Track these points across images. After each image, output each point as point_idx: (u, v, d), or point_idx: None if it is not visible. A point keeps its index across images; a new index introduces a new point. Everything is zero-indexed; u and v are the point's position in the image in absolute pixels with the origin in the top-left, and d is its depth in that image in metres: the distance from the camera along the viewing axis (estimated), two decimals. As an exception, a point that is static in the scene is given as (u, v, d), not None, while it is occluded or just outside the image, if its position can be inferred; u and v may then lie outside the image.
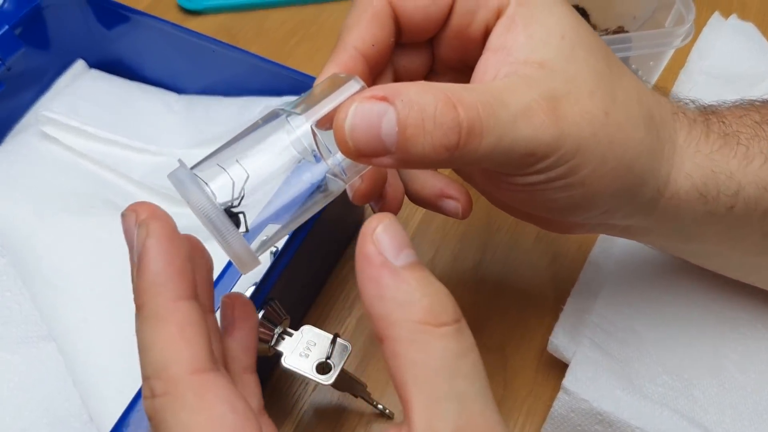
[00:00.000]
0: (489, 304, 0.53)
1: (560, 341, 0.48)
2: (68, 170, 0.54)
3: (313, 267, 0.52)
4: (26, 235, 0.51)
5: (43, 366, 0.44)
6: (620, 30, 0.59)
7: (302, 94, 0.32)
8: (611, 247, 0.53)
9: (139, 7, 0.57)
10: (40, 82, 0.58)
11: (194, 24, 0.69)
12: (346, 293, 0.54)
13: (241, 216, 0.30)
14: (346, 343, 0.43)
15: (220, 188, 0.29)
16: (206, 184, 0.29)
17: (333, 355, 0.42)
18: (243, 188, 0.30)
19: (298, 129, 0.30)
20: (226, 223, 0.28)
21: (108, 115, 0.56)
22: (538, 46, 0.32)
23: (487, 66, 0.33)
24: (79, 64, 0.60)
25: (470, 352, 0.26)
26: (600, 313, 0.50)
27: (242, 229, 0.30)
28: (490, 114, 0.29)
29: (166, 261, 0.27)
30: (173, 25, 0.56)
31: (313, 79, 0.53)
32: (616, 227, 0.40)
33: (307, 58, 0.66)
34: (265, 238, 0.30)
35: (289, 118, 0.30)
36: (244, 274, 0.31)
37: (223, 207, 0.29)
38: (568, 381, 0.46)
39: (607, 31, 0.59)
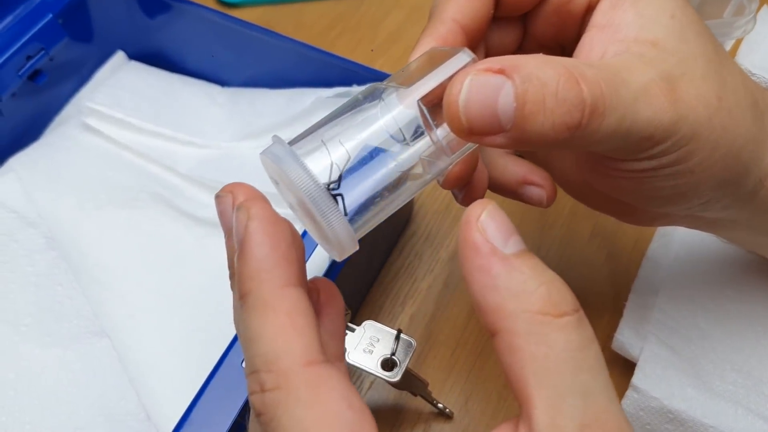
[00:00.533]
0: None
1: (626, 338, 0.47)
2: (112, 162, 0.53)
3: (365, 261, 0.51)
4: (71, 229, 0.49)
5: (98, 362, 0.43)
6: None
7: (398, 71, 0.30)
8: (669, 242, 0.52)
9: (178, -1, 0.56)
10: (79, 73, 0.57)
11: (232, 16, 0.68)
12: (397, 290, 0.53)
13: (339, 199, 0.28)
14: (410, 339, 0.42)
15: (320, 168, 0.27)
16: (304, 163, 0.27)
17: (397, 352, 0.41)
18: (342, 169, 0.28)
19: (396, 108, 0.28)
20: (329, 204, 0.26)
21: (151, 107, 0.55)
22: (648, 24, 0.30)
23: (592, 44, 0.31)
24: (119, 56, 0.58)
25: (592, 344, 0.24)
26: (663, 309, 0.48)
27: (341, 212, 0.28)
28: (613, 92, 0.27)
29: (272, 245, 0.25)
30: (218, 12, 0.55)
31: (363, 67, 0.52)
32: (705, 220, 0.38)
33: (348, 51, 0.65)
34: (361, 222, 0.29)
35: (386, 95, 0.28)
36: (340, 260, 0.29)
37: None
38: (637, 378, 0.45)
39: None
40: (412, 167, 0.29)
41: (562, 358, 0.23)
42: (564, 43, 0.34)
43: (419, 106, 0.28)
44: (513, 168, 0.38)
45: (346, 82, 0.52)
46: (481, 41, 0.34)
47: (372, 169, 0.28)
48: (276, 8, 0.69)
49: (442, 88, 0.27)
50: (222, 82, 0.58)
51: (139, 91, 0.56)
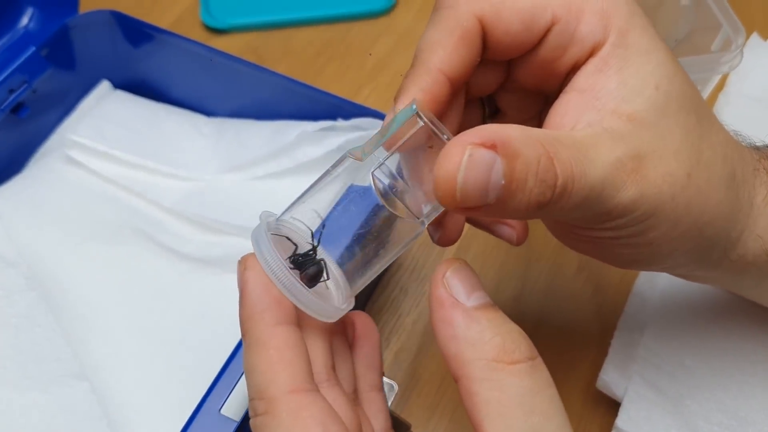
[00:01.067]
0: (531, 337, 0.51)
1: (610, 377, 0.47)
2: (95, 196, 0.52)
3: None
4: (52, 265, 0.49)
5: (77, 406, 0.42)
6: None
7: (375, 134, 0.30)
8: (656, 277, 0.51)
9: (162, 25, 0.56)
10: (63, 103, 0.57)
11: (220, 43, 0.67)
12: (382, 325, 0.52)
13: (322, 262, 0.30)
14: (391, 383, 0.41)
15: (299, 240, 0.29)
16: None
17: None
18: (320, 235, 0.29)
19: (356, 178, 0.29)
20: (293, 284, 0.29)
21: (135, 139, 0.54)
22: (629, 96, 0.30)
23: (568, 107, 0.31)
24: (104, 85, 0.58)
25: (547, 388, 0.26)
26: (648, 347, 0.48)
27: (324, 277, 0.30)
28: (581, 174, 0.27)
29: (264, 290, 0.28)
30: (201, 45, 0.54)
31: (348, 102, 0.51)
32: (674, 273, 0.38)
33: (336, 78, 0.64)
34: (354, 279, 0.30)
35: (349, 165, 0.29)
36: (334, 320, 0.31)
37: (301, 257, 0.30)
38: (621, 420, 0.44)
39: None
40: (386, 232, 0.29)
41: (514, 402, 0.25)
42: (545, 91, 0.34)
43: (399, 179, 0.29)
44: None
45: (332, 116, 0.52)
46: (464, 85, 0.34)
47: (347, 230, 0.29)
48: (264, 34, 0.68)
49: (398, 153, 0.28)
50: (208, 112, 0.58)
51: (123, 122, 0.55)
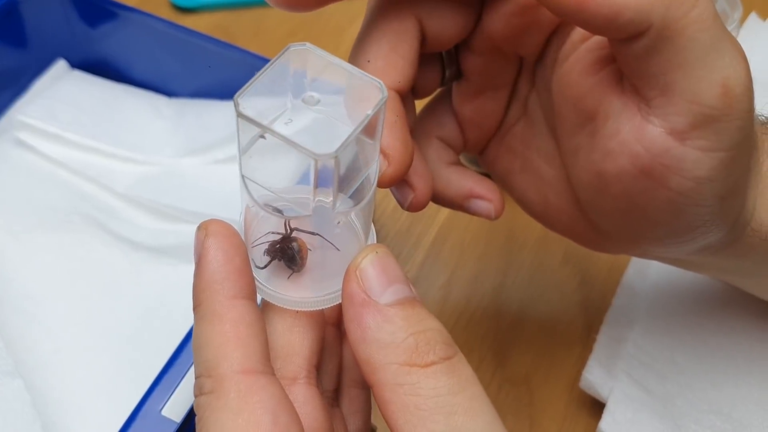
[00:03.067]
0: (512, 332, 0.48)
1: (595, 377, 0.43)
2: (44, 181, 0.49)
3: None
4: (-5, 253, 0.46)
5: (8, 406, 0.39)
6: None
7: None
8: (647, 269, 0.48)
9: (129, 3, 0.52)
10: (16, 83, 0.53)
11: (188, 22, 0.64)
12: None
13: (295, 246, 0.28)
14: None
15: None
16: None
17: None
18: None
19: None
20: None
21: (90, 121, 0.51)
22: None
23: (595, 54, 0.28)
24: (60, 65, 0.55)
25: (469, 386, 0.24)
26: (637, 343, 0.44)
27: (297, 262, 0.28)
28: None
29: (225, 259, 0.25)
30: (164, 21, 0.51)
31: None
32: (669, 259, 0.35)
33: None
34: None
35: None
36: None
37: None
38: (605, 423, 0.41)
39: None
40: None
41: (431, 405, 0.23)
42: (522, 55, 0.31)
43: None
44: (458, 181, 0.35)
45: (300, 96, 0.48)
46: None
47: None
48: (234, 13, 0.65)
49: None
50: (170, 93, 0.55)
51: (77, 102, 0.52)
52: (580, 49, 0.30)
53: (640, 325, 0.45)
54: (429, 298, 0.50)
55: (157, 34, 0.52)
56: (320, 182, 0.24)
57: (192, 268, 0.46)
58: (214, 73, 0.52)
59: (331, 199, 0.25)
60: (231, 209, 0.46)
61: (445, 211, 0.54)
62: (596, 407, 0.44)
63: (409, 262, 0.52)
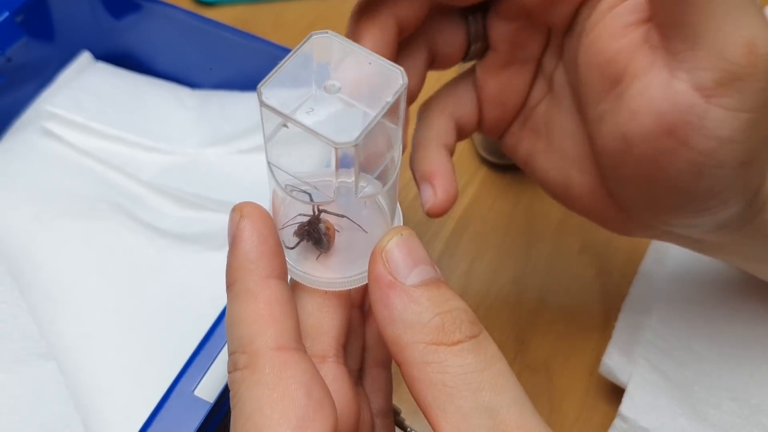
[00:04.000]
0: (531, 320, 0.49)
1: (614, 362, 0.44)
2: (71, 170, 0.50)
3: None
4: (24, 241, 0.46)
5: (42, 387, 0.39)
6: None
7: None
8: (664, 258, 0.48)
9: (151, -3, 0.53)
10: (42, 75, 0.54)
11: (208, 16, 0.65)
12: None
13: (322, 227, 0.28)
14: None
15: None
16: None
17: None
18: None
19: None
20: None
21: (115, 111, 0.52)
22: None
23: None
24: (85, 57, 0.55)
25: (495, 362, 0.24)
26: (654, 330, 0.45)
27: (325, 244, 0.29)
28: None
29: (260, 240, 0.26)
30: (188, 12, 0.52)
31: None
32: (690, 240, 0.35)
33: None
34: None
35: None
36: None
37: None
38: (625, 407, 0.42)
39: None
40: None
41: (459, 382, 0.23)
42: (552, 23, 0.31)
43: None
44: (428, 156, 0.35)
45: (321, 86, 0.49)
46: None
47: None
48: (254, 7, 0.66)
49: None
50: (192, 85, 0.55)
51: (103, 93, 0.53)
52: (609, 15, 0.30)
53: (657, 313, 0.46)
54: (449, 286, 0.50)
55: (180, 25, 0.53)
56: (343, 166, 0.24)
57: (217, 254, 0.47)
58: (237, 65, 0.53)
59: (354, 183, 0.25)
60: (255, 198, 0.46)
61: (464, 202, 0.54)
62: (614, 394, 0.44)
63: (430, 251, 0.52)
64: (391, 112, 0.25)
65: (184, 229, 0.47)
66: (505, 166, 0.55)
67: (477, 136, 0.56)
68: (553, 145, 0.35)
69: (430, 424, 0.24)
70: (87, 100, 0.52)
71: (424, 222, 0.54)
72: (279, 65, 0.25)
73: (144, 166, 0.50)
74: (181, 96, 0.54)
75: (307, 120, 0.24)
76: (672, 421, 0.41)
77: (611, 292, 0.50)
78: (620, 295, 0.47)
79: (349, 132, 0.23)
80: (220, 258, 0.47)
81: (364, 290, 0.31)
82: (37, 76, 0.54)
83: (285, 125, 0.25)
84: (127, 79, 0.55)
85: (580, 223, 0.53)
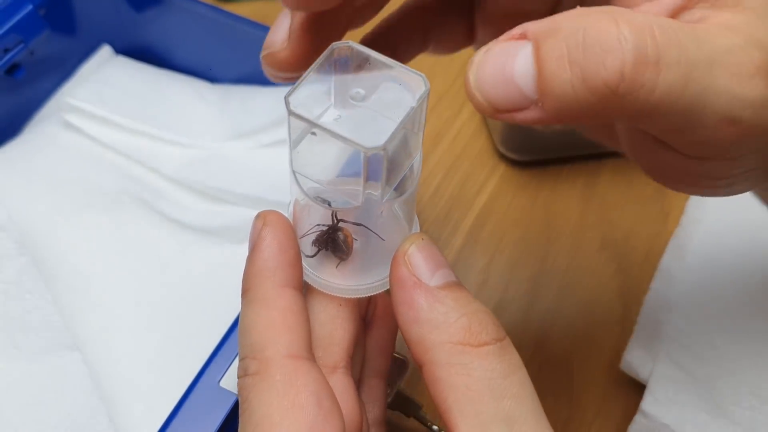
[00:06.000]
0: (551, 316, 0.49)
1: (635, 358, 0.44)
2: (93, 163, 0.50)
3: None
4: (46, 233, 0.46)
5: (68, 378, 0.40)
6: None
7: None
8: (684, 254, 0.48)
9: (172, -11, 0.53)
10: (62, 68, 0.54)
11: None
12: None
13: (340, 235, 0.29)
14: (404, 358, 0.39)
15: None
16: None
17: (389, 371, 0.38)
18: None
19: None
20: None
21: (136, 105, 0.52)
22: None
23: (651, 4, 0.25)
24: (105, 50, 0.56)
25: (517, 371, 0.24)
26: (676, 326, 0.45)
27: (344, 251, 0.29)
28: (671, 40, 0.21)
29: (280, 249, 0.26)
30: (209, 6, 0.52)
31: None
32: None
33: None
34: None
35: None
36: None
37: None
38: (646, 402, 0.42)
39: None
40: None
41: (483, 387, 0.23)
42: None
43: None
44: None
45: (342, 81, 0.49)
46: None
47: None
48: (272, 2, 0.66)
49: None
50: (212, 79, 0.56)
51: (124, 87, 0.53)
52: None
53: (678, 309, 0.46)
54: (468, 282, 0.51)
55: (201, 19, 0.53)
56: (371, 172, 0.25)
57: (238, 247, 0.47)
58: (257, 59, 0.53)
59: (379, 190, 0.26)
60: (276, 192, 0.47)
61: (483, 198, 0.54)
62: (635, 389, 0.44)
63: (448, 248, 0.52)
64: (413, 118, 0.25)
65: (206, 223, 0.48)
66: (524, 162, 0.55)
67: (496, 133, 0.56)
68: None
69: (447, 426, 0.24)
70: (108, 93, 0.52)
71: (444, 218, 0.54)
72: (304, 75, 0.25)
73: (166, 159, 0.50)
74: (202, 90, 0.54)
75: (335, 126, 0.24)
76: (693, 417, 0.41)
77: (631, 289, 0.50)
78: (640, 291, 0.48)
79: (373, 138, 0.24)
80: (242, 251, 0.48)
81: (368, 301, 0.32)
82: (58, 70, 0.54)
83: (313, 132, 0.25)
84: (148, 73, 0.55)
85: (600, 219, 0.53)
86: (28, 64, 0.51)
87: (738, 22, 0.23)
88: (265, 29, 0.51)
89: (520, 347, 0.47)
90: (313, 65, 0.25)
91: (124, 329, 0.44)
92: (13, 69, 0.50)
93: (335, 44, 0.26)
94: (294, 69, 0.29)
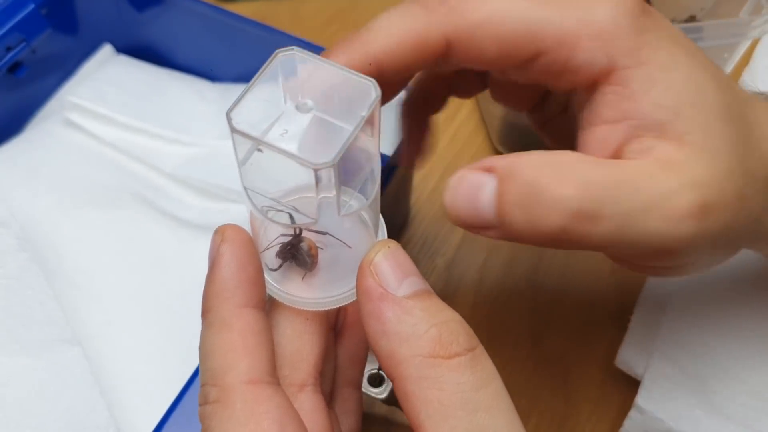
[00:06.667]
0: (547, 313, 0.49)
1: (630, 355, 0.44)
2: (94, 160, 0.50)
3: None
4: (48, 230, 0.47)
5: (68, 372, 0.40)
6: (691, 19, 0.55)
7: None
8: (679, 253, 0.49)
9: (173, -11, 0.54)
10: (64, 67, 0.55)
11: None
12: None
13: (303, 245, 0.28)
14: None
15: None
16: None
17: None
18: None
19: None
20: None
21: (137, 103, 0.52)
22: (668, 118, 0.27)
23: (606, 136, 0.28)
24: (106, 49, 0.56)
25: (491, 382, 0.23)
26: (669, 325, 0.45)
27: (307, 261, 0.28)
28: (609, 197, 0.26)
29: (238, 267, 0.26)
30: (210, 6, 0.52)
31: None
32: None
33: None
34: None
35: None
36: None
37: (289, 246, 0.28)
38: (641, 398, 0.42)
39: (673, 21, 0.55)
40: None
41: (455, 400, 0.23)
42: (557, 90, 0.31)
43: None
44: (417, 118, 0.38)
45: (341, 80, 0.50)
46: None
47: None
48: (273, 2, 0.66)
49: None
50: (213, 78, 0.56)
51: (125, 85, 0.53)
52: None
53: (672, 307, 0.46)
54: (465, 280, 0.51)
55: (201, 18, 0.53)
56: (323, 185, 0.24)
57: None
58: (257, 58, 0.53)
59: (335, 203, 0.25)
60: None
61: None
62: (630, 386, 0.45)
63: (446, 245, 0.53)
64: (367, 124, 0.24)
65: (206, 220, 0.48)
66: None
67: (494, 131, 0.56)
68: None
69: None
70: (109, 91, 0.52)
71: (441, 216, 0.54)
72: (247, 87, 0.24)
73: (166, 157, 0.50)
74: (202, 89, 0.54)
75: (282, 143, 0.23)
76: (688, 413, 0.41)
77: (626, 287, 0.50)
78: (635, 289, 0.48)
79: (326, 148, 0.23)
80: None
81: (337, 311, 0.31)
82: (60, 68, 0.54)
83: (259, 149, 0.24)
84: (148, 72, 0.55)
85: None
86: (30, 62, 0.51)
87: (678, 158, 0.27)
88: (266, 29, 0.51)
89: (516, 344, 0.48)
90: (256, 76, 0.24)
91: (124, 324, 0.44)
92: (15, 67, 0.50)
93: (279, 51, 0.25)
94: None
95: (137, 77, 0.55)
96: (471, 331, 0.24)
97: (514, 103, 0.37)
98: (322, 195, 0.24)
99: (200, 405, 0.25)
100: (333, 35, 0.64)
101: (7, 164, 0.49)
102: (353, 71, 0.25)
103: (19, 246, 0.43)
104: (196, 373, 0.36)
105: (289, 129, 0.24)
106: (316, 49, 0.50)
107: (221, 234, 0.26)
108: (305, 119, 0.24)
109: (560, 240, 0.26)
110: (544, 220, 0.26)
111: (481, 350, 0.24)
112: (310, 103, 0.25)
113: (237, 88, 0.54)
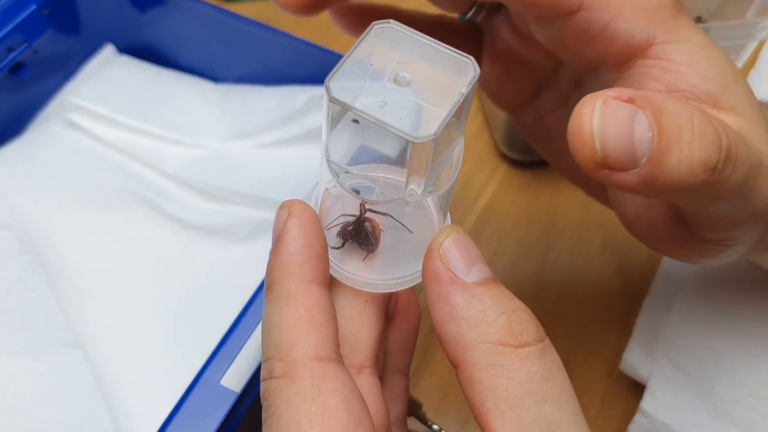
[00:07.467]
0: (551, 316, 0.49)
1: (635, 358, 0.44)
2: (96, 162, 0.50)
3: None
4: (49, 231, 0.47)
5: (69, 375, 0.40)
6: (697, 20, 0.54)
7: None
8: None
9: (176, -10, 0.54)
10: (66, 68, 0.54)
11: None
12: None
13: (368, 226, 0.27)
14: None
15: None
16: None
17: None
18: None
19: None
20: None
21: (139, 104, 0.52)
22: (719, 91, 0.26)
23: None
24: (108, 50, 0.56)
25: (558, 374, 0.23)
26: (675, 328, 0.45)
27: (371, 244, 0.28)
28: (740, 143, 0.24)
29: (306, 242, 0.25)
30: (212, 6, 0.52)
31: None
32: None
33: (349, 48, 0.62)
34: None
35: None
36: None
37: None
38: (646, 402, 0.42)
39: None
40: None
41: (523, 390, 0.22)
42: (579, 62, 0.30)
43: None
44: None
45: (344, 81, 0.49)
46: None
47: None
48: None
49: None
50: (215, 78, 0.56)
51: (127, 86, 0.53)
52: None
53: (677, 310, 0.46)
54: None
55: (204, 19, 0.53)
56: (416, 163, 0.23)
57: (240, 246, 0.47)
58: (260, 59, 0.53)
59: (422, 184, 0.24)
60: (278, 191, 0.47)
61: (484, 198, 0.55)
62: (635, 390, 0.44)
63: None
64: (461, 106, 0.23)
65: (208, 222, 0.48)
66: (526, 162, 0.56)
67: (498, 133, 0.56)
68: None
69: (483, 427, 0.23)
70: (111, 92, 0.52)
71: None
72: (344, 58, 0.23)
73: (168, 158, 0.50)
74: (204, 90, 0.54)
75: (378, 114, 0.22)
76: (693, 417, 0.41)
77: (632, 289, 0.50)
78: (641, 292, 0.48)
79: (416, 126, 0.22)
80: (243, 250, 0.48)
81: (389, 295, 0.30)
82: (62, 69, 0.54)
83: (354, 120, 0.23)
84: (151, 73, 0.55)
85: (601, 220, 0.53)
86: (32, 63, 0.51)
87: (743, 126, 0.26)
88: (268, 29, 0.51)
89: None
90: (353, 47, 0.23)
91: (126, 327, 0.44)
92: (16, 68, 0.50)
93: (376, 23, 0.24)
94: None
95: (139, 78, 0.54)
96: (539, 323, 0.24)
97: (508, 95, 0.36)
98: (410, 175, 0.24)
99: (263, 380, 0.24)
100: (337, 34, 0.63)
101: (8, 165, 0.48)
102: (451, 48, 0.24)
103: (20, 248, 0.43)
104: (198, 376, 0.36)
105: (388, 101, 0.23)
106: (317, 49, 0.50)
107: (288, 209, 0.25)
108: (402, 93, 0.24)
109: (704, 185, 0.23)
110: (704, 157, 0.23)
111: (548, 342, 0.24)
112: (408, 76, 0.24)
113: (239, 89, 0.54)
